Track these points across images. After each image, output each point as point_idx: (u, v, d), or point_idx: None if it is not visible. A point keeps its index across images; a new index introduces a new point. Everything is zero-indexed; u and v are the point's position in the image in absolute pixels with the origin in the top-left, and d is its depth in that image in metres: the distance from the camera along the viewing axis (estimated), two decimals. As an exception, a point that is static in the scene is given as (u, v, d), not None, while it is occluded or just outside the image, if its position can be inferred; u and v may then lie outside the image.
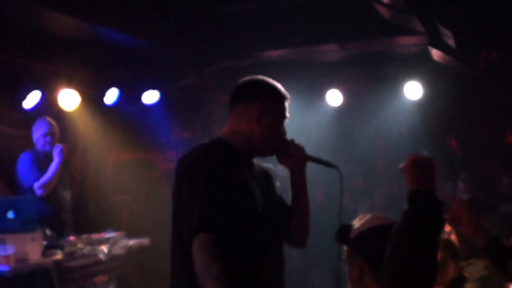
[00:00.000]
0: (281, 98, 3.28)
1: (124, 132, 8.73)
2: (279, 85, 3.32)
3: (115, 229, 7.29)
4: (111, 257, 6.75)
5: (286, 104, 3.30)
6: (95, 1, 6.72)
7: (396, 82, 9.27)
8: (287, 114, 3.30)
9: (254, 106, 3.22)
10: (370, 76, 9.39)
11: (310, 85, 9.56)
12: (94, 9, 6.75)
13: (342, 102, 9.61)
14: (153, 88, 8.66)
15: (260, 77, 3.34)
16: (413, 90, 9.23)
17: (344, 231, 2.81)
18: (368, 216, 2.84)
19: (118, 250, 6.92)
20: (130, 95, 8.57)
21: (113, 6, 6.92)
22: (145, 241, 7.45)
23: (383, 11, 7.11)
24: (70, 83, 7.69)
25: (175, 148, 9.83)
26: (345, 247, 2.81)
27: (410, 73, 9.14)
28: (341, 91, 9.55)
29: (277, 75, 8.79)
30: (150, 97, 8.68)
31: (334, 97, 9.61)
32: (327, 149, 9.73)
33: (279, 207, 3.34)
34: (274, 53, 8.77)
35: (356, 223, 2.80)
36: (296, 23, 7.97)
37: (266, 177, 3.37)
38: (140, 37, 7.60)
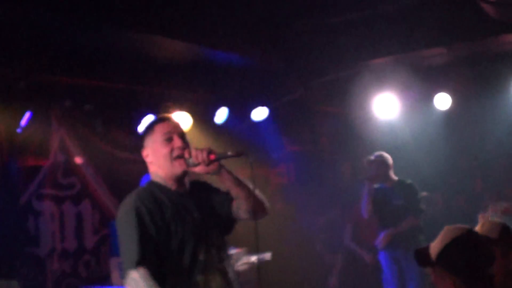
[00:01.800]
0: (153, 124, 3.76)
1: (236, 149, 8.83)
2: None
3: (237, 245, 7.37)
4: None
5: (163, 125, 3.73)
6: (199, 24, 6.86)
7: (506, 81, 9.03)
8: (169, 131, 3.69)
9: (145, 145, 3.74)
10: (478, 77, 9.14)
11: (417, 90, 9.40)
12: (198, 32, 6.90)
13: (451, 105, 9.40)
14: (262, 105, 8.78)
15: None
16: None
17: (421, 255, 2.79)
18: (442, 232, 2.81)
19: (241, 266, 7.00)
20: (239, 113, 8.74)
21: (217, 27, 7.04)
22: (266, 256, 7.50)
23: (488, 9, 6.95)
24: (181, 106, 7.88)
25: (286, 162, 9.87)
26: (429, 269, 2.79)
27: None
28: (449, 94, 9.35)
29: (383, 82, 8.77)
30: (259, 113, 8.81)
31: (442, 101, 9.41)
32: (437, 153, 9.58)
33: (211, 214, 3.74)
34: (379, 61, 8.68)
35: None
36: (399, 29, 7.86)
37: (202, 191, 3.81)
38: (246, 56, 7.71)
